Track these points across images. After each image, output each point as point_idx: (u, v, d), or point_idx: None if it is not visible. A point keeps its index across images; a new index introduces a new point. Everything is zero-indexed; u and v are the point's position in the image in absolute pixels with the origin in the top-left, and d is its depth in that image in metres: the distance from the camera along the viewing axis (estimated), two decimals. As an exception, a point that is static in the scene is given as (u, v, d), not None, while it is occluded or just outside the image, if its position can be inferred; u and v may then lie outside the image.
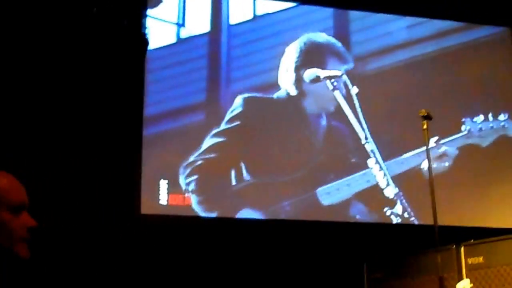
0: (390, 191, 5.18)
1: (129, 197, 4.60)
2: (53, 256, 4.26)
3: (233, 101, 5.15)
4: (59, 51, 4.60)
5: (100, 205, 4.52)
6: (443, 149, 5.38)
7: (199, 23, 5.24)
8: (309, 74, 5.30)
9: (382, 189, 5.18)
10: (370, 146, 5.22)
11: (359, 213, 5.15)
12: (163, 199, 4.81)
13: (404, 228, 5.12)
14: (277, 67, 5.28)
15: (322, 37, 5.46)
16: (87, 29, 4.61)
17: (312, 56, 5.37)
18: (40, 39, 4.60)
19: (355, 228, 5.05)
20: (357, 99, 5.22)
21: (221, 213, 4.90)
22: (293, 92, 5.27)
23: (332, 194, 5.13)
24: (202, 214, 4.85)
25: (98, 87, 4.67)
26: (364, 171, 5.21)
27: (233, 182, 4.95)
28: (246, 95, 5.19)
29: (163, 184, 4.81)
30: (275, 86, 5.25)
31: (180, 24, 5.25)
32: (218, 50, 5.30)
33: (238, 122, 5.13)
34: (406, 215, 5.15)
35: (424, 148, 3.75)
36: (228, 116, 5.12)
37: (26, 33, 4.58)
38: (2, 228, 1.84)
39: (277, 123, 5.24)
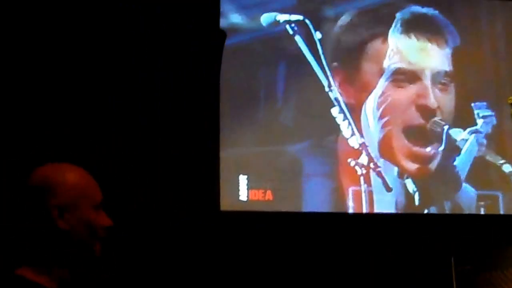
0: (355, 142, 4.85)
1: (209, 194, 4.54)
2: (131, 254, 4.27)
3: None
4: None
5: (179, 203, 4.49)
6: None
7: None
8: (266, 17, 4.86)
9: (347, 139, 4.85)
10: (333, 94, 4.87)
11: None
12: (243, 195, 4.68)
13: (493, 219, 4.91)
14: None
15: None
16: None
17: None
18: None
19: (441, 220, 4.87)
20: (320, 44, 4.85)
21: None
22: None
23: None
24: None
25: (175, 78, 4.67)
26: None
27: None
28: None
29: (243, 179, 4.69)
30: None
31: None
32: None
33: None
34: (372, 165, 4.82)
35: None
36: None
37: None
38: (87, 225, 1.84)
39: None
